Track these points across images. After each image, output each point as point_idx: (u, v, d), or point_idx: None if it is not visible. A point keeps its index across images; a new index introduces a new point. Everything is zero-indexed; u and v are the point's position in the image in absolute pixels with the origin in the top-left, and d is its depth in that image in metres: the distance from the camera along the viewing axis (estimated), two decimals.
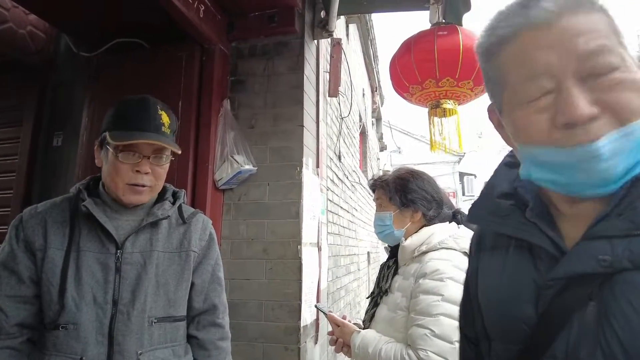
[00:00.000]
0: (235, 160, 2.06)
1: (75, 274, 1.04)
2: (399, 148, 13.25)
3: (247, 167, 2.08)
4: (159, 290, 1.10)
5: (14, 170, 2.48)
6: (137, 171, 1.10)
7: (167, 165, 1.17)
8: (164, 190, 1.23)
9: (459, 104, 2.22)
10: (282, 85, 2.25)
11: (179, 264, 1.14)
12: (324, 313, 1.60)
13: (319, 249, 2.40)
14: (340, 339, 1.48)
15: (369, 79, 6.42)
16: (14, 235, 1.08)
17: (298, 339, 2.03)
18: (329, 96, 2.84)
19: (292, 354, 2.03)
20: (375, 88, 6.83)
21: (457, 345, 1.19)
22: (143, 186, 1.11)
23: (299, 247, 2.09)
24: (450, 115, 2.21)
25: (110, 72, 2.34)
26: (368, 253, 5.36)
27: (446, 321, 1.19)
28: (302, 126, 2.19)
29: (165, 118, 1.14)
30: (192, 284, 1.17)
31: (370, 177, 5.80)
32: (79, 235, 1.08)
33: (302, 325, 2.05)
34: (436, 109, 2.20)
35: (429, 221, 1.45)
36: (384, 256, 1.60)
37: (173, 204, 1.21)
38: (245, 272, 2.14)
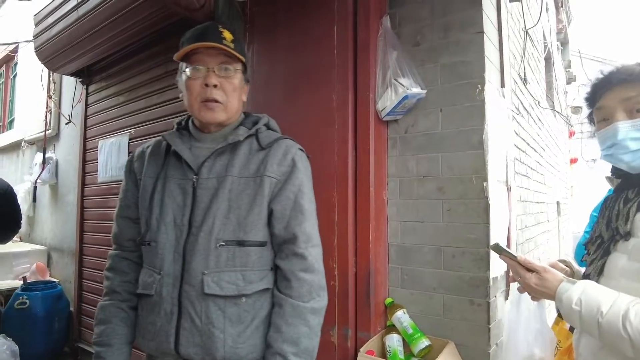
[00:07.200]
0: (400, 83, 1.75)
1: (160, 198, 1.16)
2: (591, 80, 10.82)
3: (414, 90, 1.75)
4: (229, 214, 1.11)
5: None
6: (207, 85, 1.13)
7: (237, 80, 1.17)
8: (246, 118, 1.26)
9: None
10: None
11: (253, 189, 1.13)
12: (509, 254, 1.15)
13: (509, 189, 1.95)
14: (534, 291, 1.07)
15: None
16: (127, 169, 1.29)
17: (487, 292, 1.69)
18: (509, 1, 2.25)
19: (479, 309, 1.71)
20: (561, 2, 5.49)
21: None
22: (215, 101, 1.14)
23: (484, 184, 1.70)
24: None
25: (263, 12, 2.28)
26: (557, 203, 4.49)
27: None
28: (482, 32, 1.73)
29: (227, 34, 1.15)
30: (272, 211, 1.14)
31: (557, 112, 4.75)
32: (168, 165, 1.20)
33: (491, 276, 1.70)
34: None
35: None
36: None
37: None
38: (418, 214, 1.87)
